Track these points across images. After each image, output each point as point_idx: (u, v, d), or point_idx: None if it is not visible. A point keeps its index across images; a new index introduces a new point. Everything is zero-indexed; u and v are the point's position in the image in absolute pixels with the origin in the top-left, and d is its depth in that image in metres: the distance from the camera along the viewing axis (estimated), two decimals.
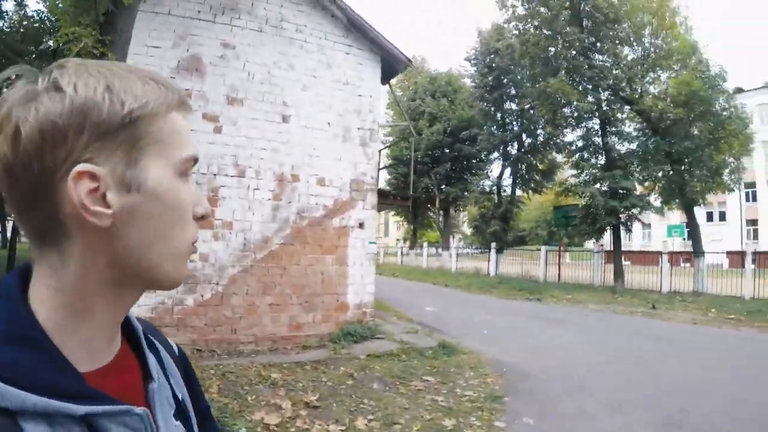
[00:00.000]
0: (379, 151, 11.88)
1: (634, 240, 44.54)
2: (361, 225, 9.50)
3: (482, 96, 26.73)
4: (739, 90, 38.36)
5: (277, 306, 8.64)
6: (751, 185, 40.66)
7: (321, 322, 9.09)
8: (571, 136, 20.82)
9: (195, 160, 0.64)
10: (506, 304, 15.91)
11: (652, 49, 18.70)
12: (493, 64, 25.65)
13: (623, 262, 19.58)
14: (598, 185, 18.44)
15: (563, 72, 18.42)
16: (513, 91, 26.34)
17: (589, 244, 23.03)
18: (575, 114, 19.02)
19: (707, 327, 12.07)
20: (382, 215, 46.51)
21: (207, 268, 8.13)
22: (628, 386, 6.82)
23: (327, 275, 9.26)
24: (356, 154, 9.69)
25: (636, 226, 41.77)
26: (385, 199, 10.07)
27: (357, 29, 9.98)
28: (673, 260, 18.47)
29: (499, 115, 26.83)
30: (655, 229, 41.03)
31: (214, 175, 8.32)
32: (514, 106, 27.27)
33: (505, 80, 25.61)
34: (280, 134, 9.02)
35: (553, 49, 18.67)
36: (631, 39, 18.69)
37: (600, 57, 18.96)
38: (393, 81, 40.33)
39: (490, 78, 26.36)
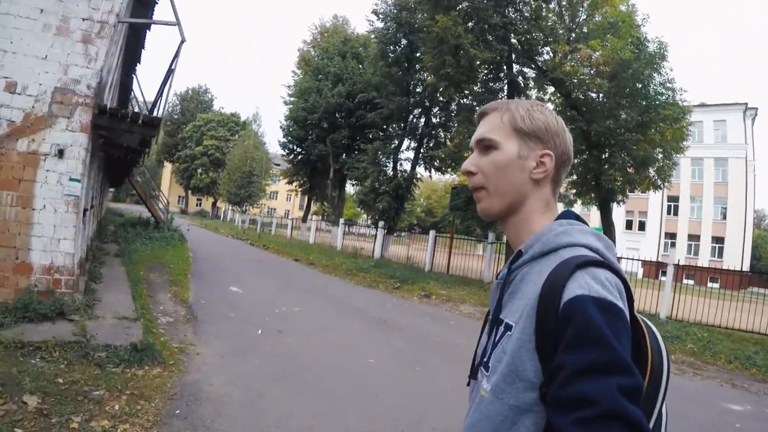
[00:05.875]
0: (132, 69, 8.69)
1: None
2: (60, 153, 6.41)
3: (385, 55, 23.67)
4: (703, 105, 38.44)
5: None
6: (674, 199, 40.75)
7: None
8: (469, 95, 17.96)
9: None
10: (353, 293, 13.14)
11: (583, 18, 16.25)
12: (402, 21, 22.65)
13: None
14: None
15: (457, 13, 15.51)
16: (421, 56, 23.42)
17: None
18: (473, 67, 16.01)
19: None
20: (283, 185, 42.69)
21: None
22: None
23: (1, 220, 6.20)
24: (72, 53, 6.59)
25: None
26: (119, 123, 6.93)
27: None
28: None
29: (405, 80, 23.79)
30: None
31: None
32: (425, 76, 24.35)
33: (413, 41, 22.57)
34: None
35: None
36: (563, 11, 16.27)
37: (514, 15, 16.39)
38: (308, 39, 37.24)
39: (399, 35, 23.39)
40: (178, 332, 6.98)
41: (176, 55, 7.89)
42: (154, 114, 8.56)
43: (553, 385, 0.82)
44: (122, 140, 7.52)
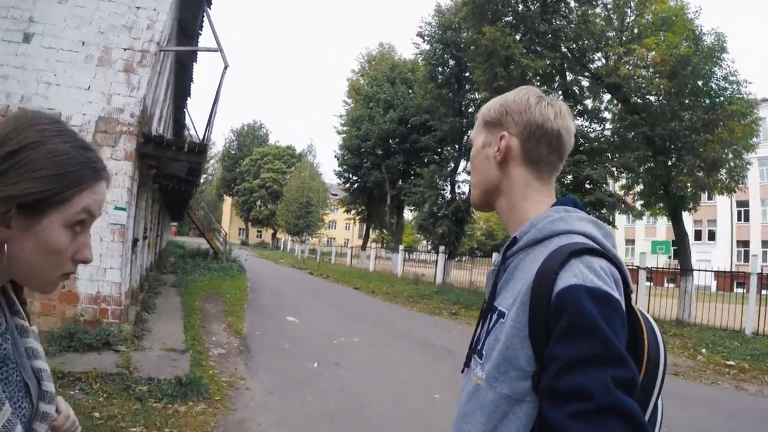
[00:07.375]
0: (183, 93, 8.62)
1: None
2: None
3: (435, 76, 23.41)
4: (765, 99, 35.93)
5: None
6: (744, 203, 37.84)
7: (39, 313, 6.15)
8: None
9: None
10: (415, 320, 12.54)
11: (632, 18, 15.50)
12: (448, 41, 22.35)
13: None
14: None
15: (504, 24, 15.11)
16: (471, 75, 22.95)
17: None
18: (525, 77, 15.27)
19: (695, 383, 7.74)
20: (342, 214, 42.61)
21: None
22: None
23: None
24: (114, 83, 6.59)
25: (618, 242, 39.19)
26: (164, 151, 6.76)
27: None
28: (655, 279, 14.80)
29: (457, 100, 23.38)
30: (639, 246, 37.95)
31: None
32: (477, 96, 23.79)
33: (462, 60, 22.15)
34: (17, 57, 6.34)
35: None
36: (610, 14, 15.67)
37: (561, 22, 15.94)
38: (356, 68, 37.83)
39: (446, 56, 23.12)
40: (229, 365, 6.62)
41: (220, 82, 7.75)
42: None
43: (547, 375, 0.79)
44: (170, 169, 7.36)
